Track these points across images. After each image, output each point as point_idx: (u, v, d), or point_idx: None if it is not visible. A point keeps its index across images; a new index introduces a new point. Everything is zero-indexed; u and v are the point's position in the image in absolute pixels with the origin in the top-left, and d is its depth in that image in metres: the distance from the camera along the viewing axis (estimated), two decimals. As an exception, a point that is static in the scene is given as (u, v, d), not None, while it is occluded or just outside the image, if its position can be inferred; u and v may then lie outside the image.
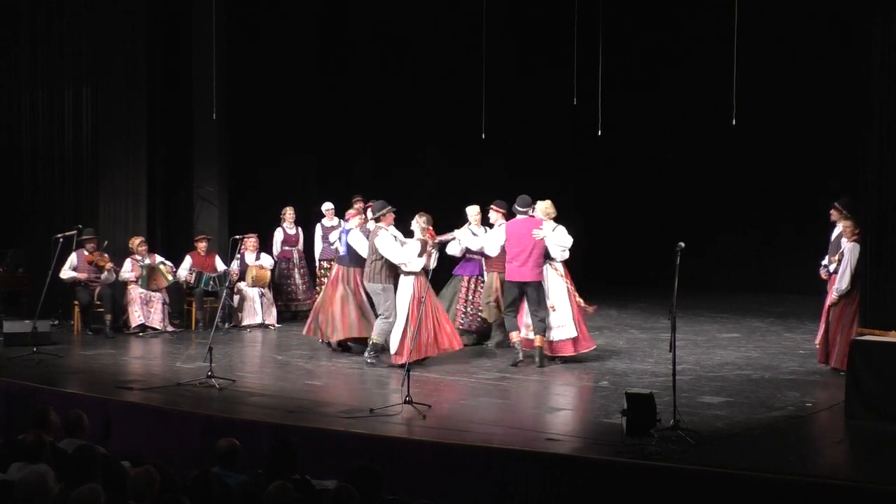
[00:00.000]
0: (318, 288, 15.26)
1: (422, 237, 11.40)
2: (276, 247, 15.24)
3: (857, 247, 10.53)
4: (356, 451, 8.15)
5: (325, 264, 15.00)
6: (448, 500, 7.61)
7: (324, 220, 15.13)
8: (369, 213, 12.34)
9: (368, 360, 11.50)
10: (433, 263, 11.42)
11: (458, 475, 7.97)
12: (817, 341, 11.17)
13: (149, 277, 13.81)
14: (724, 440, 8.26)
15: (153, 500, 5.69)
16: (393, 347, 11.33)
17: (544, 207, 11.69)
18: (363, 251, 11.95)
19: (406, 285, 11.31)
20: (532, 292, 11.33)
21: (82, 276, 13.71)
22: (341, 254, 12.54)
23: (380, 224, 11.62)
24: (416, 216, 11.56)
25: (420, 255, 11.27)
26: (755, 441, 8.33)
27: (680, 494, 7.38)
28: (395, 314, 11.37)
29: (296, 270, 15.29)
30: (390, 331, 11.41)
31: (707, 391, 10.09)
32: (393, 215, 11.64)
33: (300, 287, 15.30)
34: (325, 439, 8.53)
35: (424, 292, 11.15)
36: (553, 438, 8.27)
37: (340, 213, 14.99)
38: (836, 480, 7.26)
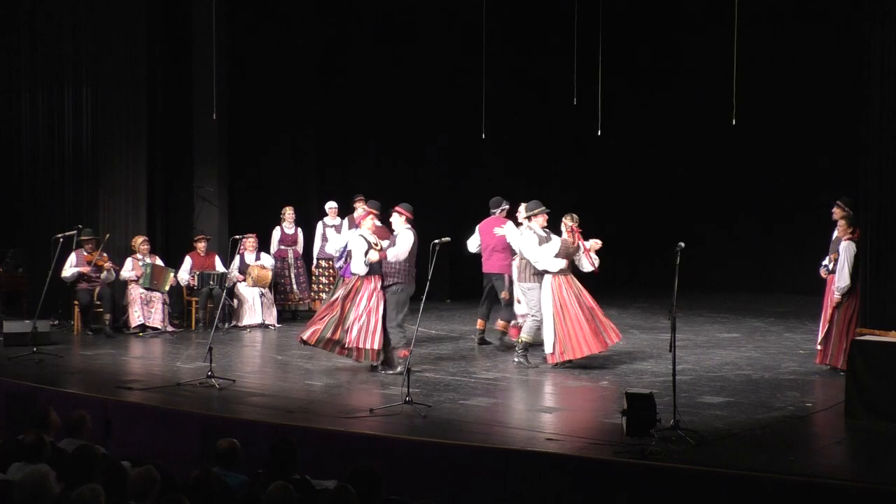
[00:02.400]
0: (313, 286, 15.30)
1: (567, 237, 11.42)
2: (274, 245, 15.26)
3: (853, 245, 10.54)
4: (356, 451, 8.16)
5: (322, 263, 15.05)
6: (448, 500, 7.60)
7: (326, 219, 15.15)
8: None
9: (517, 360, 11.44)
10: (587, 265, 11.49)
11: (458, 475, 7.97)
12: (818, 343, 11.09)
13: (152, 276, 13.80)
14: (724, 440, 8.26)
15: (153, 501, 5.69)
16: (547, 348, 11.32)
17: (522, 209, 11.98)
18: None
19: (545, 285, 11.34)
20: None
21: (86, 269, 13.70)
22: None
23: (530, 224, 11.62)
24: (565, 217, 11.58)
25: (558, 255, 11.26)
26: (755, 441, 8.33)
27: (680, 494, 7.39)
28: (541, 314, 11.35)
29: (290, 270, 15.29)
30: (537, 328, 11.42)
31: (707, 391, 10.08)
32: (546, 216, 11.60)
33: (293, 286, 15.29)
34: (325, 439, 8.53)
35: (567, 292, 11.20)
36: (553, 438, 8.26)
37: (343, 212, 15.01)
38: (836, 480, 7.26)
